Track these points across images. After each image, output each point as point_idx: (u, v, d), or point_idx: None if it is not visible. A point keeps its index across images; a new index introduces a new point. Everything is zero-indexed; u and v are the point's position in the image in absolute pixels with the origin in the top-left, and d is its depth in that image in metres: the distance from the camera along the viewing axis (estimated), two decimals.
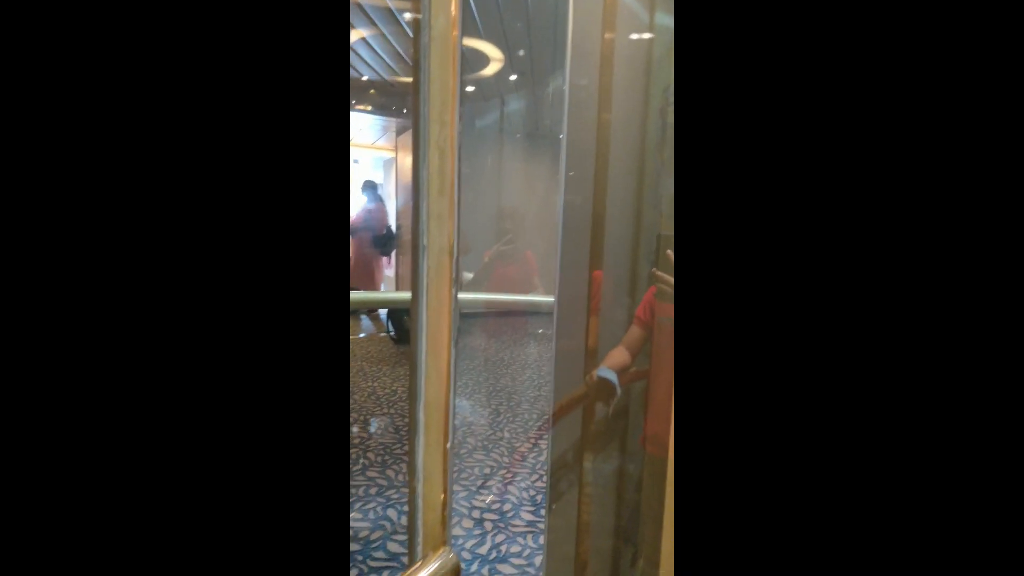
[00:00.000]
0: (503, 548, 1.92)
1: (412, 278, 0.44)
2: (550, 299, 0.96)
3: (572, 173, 0.95)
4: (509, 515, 2.12)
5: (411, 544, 0.41)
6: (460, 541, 1.93)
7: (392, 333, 4.84)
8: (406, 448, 2.61)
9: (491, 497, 2.36)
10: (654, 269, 1.03)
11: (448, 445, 0.42)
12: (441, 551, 0.40)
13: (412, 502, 0.42)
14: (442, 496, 0.42)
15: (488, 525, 2.05)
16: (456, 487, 2.32)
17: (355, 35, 3.71)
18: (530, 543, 1.95)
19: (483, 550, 1.91)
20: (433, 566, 0.38)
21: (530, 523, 2.07)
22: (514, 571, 1.80)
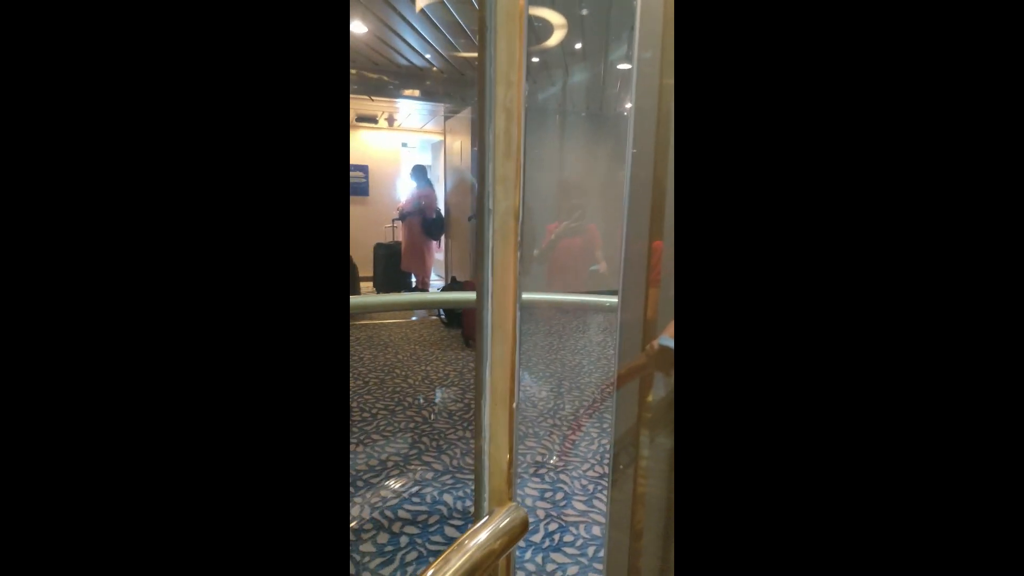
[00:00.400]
0: (556, 537, 1.95)
1: (477, 241, 0.46)
2: (613, 299, 0.96)
3: (635, 150, 0.95)
4: (562, 504, 2.14)
5: (478, 501, 0.43)
6: None
7: (443, 316, 4.96)
8: (460, 433, 2.69)
9: (554, 459, 2.40)
10: None
11: (513, 405, 0.44)
12: (508, 506, 0.42)
13: (478, 460, 0.44)
14: (508, 455, 0.44)
15: (541, 513, 2.08)
16: None
17: (399, 19, 3.77)
18: (583, 533, 1.97)
19: (536, 538, 1.94)
20: (502, 521, 0.40)
21: (582, 513, 2.09)
22: (568, 560, 1.83)
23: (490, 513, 0.41)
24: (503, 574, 0.43)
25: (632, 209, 0.91)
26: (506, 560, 0.43)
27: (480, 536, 0.38)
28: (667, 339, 0.86)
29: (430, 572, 0.33)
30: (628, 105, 0.97)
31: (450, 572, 0.33)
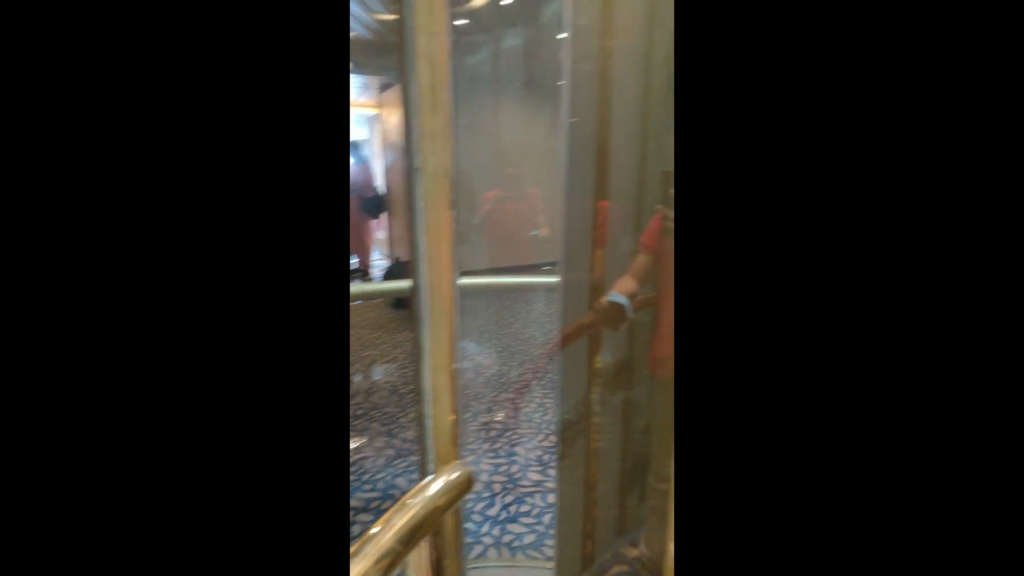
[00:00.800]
0: (512, 508, 1.99)
1: (406, 203, 0.45)
2: (556, 279, 0.97)
3: (575, 119, 0.95)
4: (517, 476, 2.19)
5: (422, 463, 0.44)
6: (469, 504, 2.01)
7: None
8: (411, 416, 2.68)
9: (500, 415, 2.45)
10: (659, 206, 1.04)
11: (454, 366, 0.44)
12: (452, 464, 0.42)
13: (421, 424, 0.44)
14: (451, 416, 0.44)
15: (497, 487, 2.12)
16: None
17: None
18: (538, 502, 2.03)
19: (493, 511, 1.98)
20: (445, 478, 0.41)
21: (537, 483, 2.15)
22: (524, 530, 1.88)
23: (434, 472, 0.42)
24: (451, 532, 0.44)
25: (574, 170, 0.92)
26: (454, 517, 0.44)
27: (423, 494, 0.38)
28: (615, 295, 0.88)
29: (374, 530, 0.33)
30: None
31: (393, 531, 0.34)
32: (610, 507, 1.06)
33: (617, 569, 1.08)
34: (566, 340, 0.93)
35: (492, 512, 1.97)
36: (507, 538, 1.83)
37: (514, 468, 2.25)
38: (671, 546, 0.70)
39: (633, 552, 1.11)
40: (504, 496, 2.06)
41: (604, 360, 1.01)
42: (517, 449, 2.40)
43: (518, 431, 2.57)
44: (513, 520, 1.93)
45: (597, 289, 0.93)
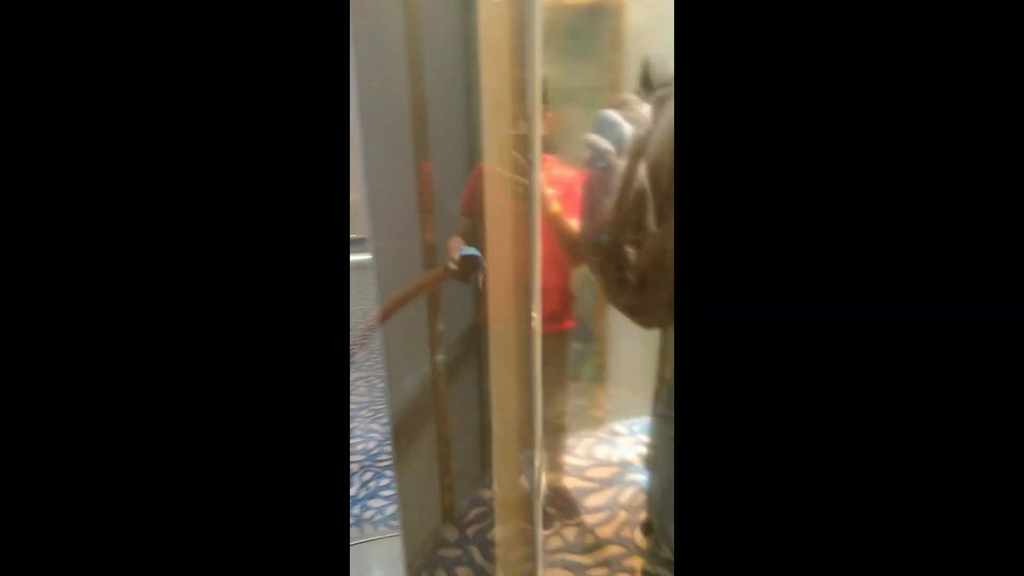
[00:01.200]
0: (371, 484, 1.98)
1: None
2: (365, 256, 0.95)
3: (374, 81, 0.92)
4: (374, 452, 2.18)
5: None
6: None
7: None
8: None
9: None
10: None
11: None
12: None
13: None
14: None
15: (355, 467, 2.09)
16: None
17: None
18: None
19: (353, 491, 1.95)
20: None
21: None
22: (385, 503, 1.89)
23: None
24: None
25: (381, 134, 0.89)
26: None
27: None
28: (468, 248, 0.90)
29: None
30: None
31: None
32: (472, 458, 1.11)
33: (476, 511, 1.14)
34: (398, 304, 0.93)
35: (352, 492, 1.94)
36: (368, 514, 1.83)
37: (371, 444, 2.23)
38: (517, 481, 0.76)
39: (487, 493, 1.19)
40: (363, 474, 2.04)
41: (453, 305, 1.02)
42: (374, 425, 2.37)
43: (373, 407, 2.54)
44: (373, 496, 1.92)
45: (431, 253, 0.94)
